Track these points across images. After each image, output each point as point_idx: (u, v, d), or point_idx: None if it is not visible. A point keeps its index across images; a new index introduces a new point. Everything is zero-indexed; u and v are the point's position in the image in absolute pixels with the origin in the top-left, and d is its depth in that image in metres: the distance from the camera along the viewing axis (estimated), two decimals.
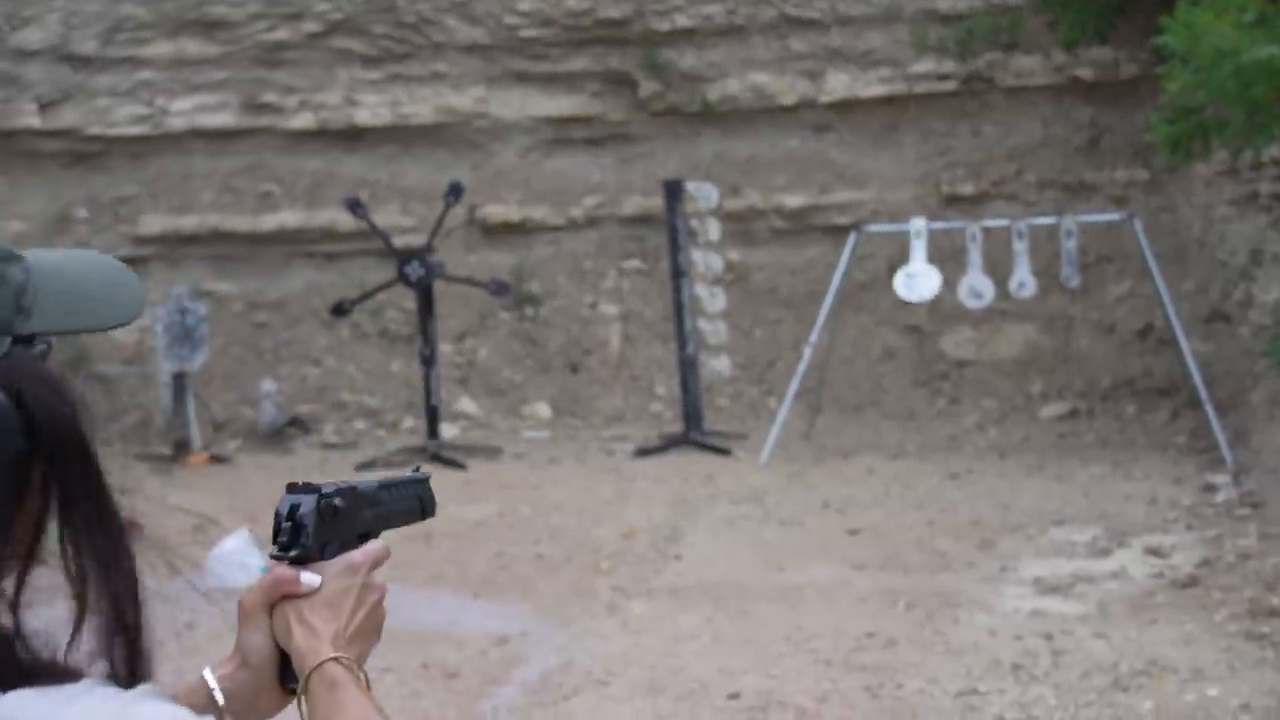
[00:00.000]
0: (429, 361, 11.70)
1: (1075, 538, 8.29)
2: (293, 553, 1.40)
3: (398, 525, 1.52)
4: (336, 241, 13.86)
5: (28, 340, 1.05)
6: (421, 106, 14.22)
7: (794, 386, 11.53)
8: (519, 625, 6.85)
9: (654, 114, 14.30)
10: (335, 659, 1.33)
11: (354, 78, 14.22)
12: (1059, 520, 8.73)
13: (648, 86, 14.19)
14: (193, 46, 14.00)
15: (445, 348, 13.07)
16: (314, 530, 1.40)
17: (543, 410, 13.11)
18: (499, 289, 12.02)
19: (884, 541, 8.34)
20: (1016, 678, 5.94)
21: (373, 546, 1.43)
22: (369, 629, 1.40)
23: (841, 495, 9.65)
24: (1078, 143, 13.75)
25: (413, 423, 12.62)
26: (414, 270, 11.57)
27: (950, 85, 13.88)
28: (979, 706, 5.62)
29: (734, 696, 5.76)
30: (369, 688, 1.34)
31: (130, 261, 12.50)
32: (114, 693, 1.04)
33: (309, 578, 1.37)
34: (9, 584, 1.05)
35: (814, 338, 11.60)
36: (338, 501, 1.42)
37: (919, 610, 6.92)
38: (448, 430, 12.26)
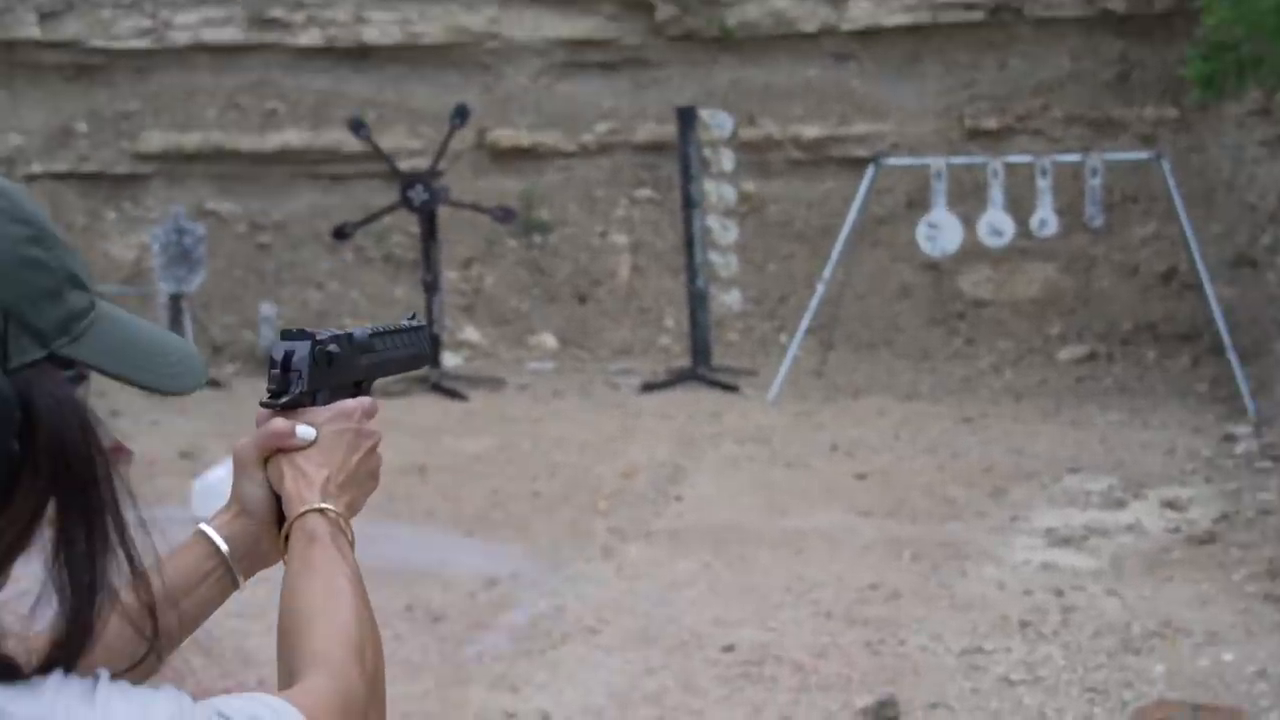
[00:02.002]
0: (432, 288, 11.44)
1: (1090, 487, 8.03)
2: (283, 399, 1.38)
3: (394, 373, 1.52)
4: (342, 163, 13.56)
5: (66, 365, 1.04)
6: (432, 25, 13.86)
7: (805, 322, 11.24)
8: (510, 567, 6.63)
9: (670, 39, 13.92)
10: (318, 510, 1.32)
11: None
12: (1074, 468, 8.47)
13: (665, 10, 13.80)
14: None
15: (451, 274, 12.80)
16: (308, 377, 1.39)
17: (549, 340, 12.85)
18: (504, 215, 11.73)
19: (892, 487, 8.09)
20: (1024, 636, 5.70)
21: (365, 398, 1.43)
22: (362, 475, 1.40)
23: (850, 437, 9.39)
24: (1106, 78, 13.35)
25: None
26: (418, 194, 11.28)
27: (977, 15, 13.46)
28: (983, 665, 5.38)
29: (728, 649, 5.53)
30: (352, 542, 1.33)
31: (131, 178, 12.20)
32: (87, 687, 0.99)
33: (304, 430, 1.37)
34: None
35: (828, 273, 11.30)
36: (333, 348, 1.40)
37: (925, 561, 6.68)
38: (451, 359, 12.02)
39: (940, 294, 12.85)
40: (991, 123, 13.30)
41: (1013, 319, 12.55)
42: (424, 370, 11.47)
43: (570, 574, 6.55)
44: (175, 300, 11.67)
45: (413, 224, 12.41)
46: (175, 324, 11.65)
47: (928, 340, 12.55)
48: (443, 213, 11.76)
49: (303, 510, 1.33)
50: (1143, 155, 11.62)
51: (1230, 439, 9.12)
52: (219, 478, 7.33)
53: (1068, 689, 5.15)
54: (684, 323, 12.20)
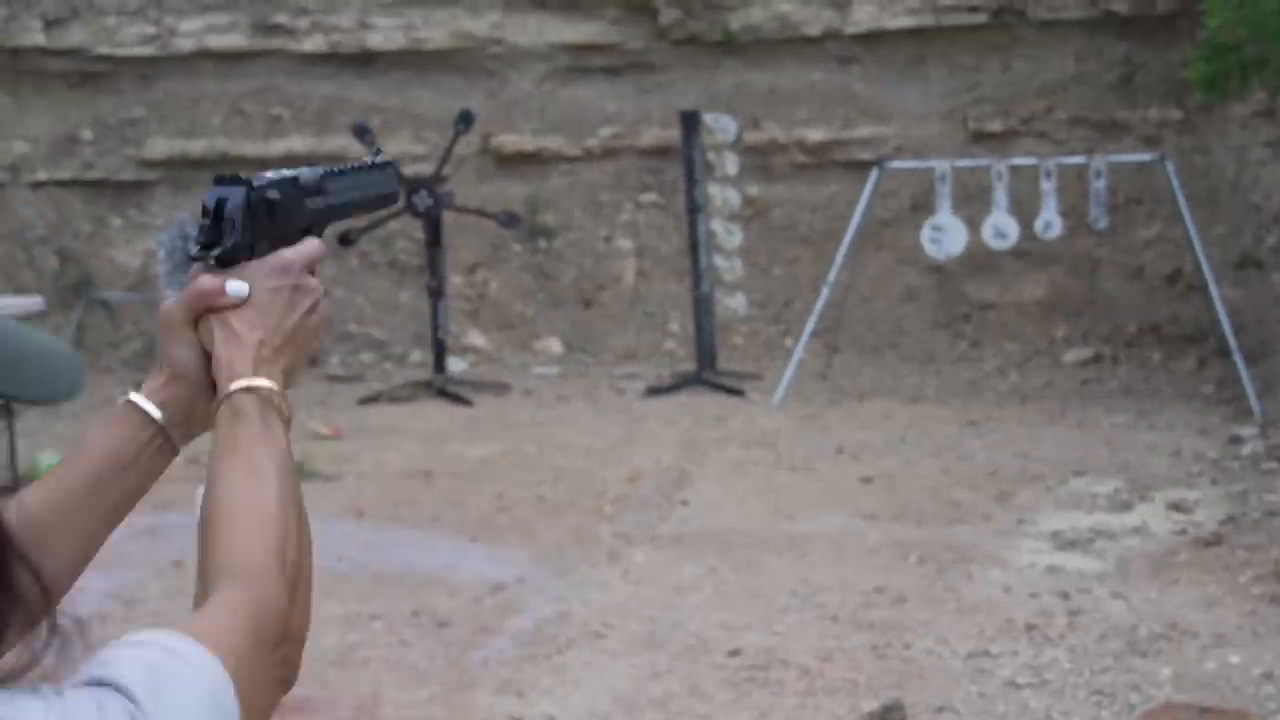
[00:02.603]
0: (436, 294, 11.43)
1: (1096, 490, 8.02)
2: (215, 252, 1.26)
3: (354, 215, 1.40)
4: None
5: None
6: (436, 31, 13.87)
7: (810, 326, 11.23)
8: (516, 572, 6.63)
9: (674, 43, 13.92)
10: (249, 389, 1.23)
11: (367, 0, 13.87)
12: (1079, 471, 8.46)
13: (668, 14, 13.80)
14: None
15: (456, 279, 12.80)
16: (242, 226, 1.26)
17: (554, 345, 12.85)
18: (509, 220, 11.72)
19: (898, 490, 8.09)
20: (1030, 639, 5.70)
21: (308, 244, 1.32)
22: (302, 336, 1.30)
23: (856, 440, 9.38)
24: (1110, 80, 13.33)
25: (421, 356, 12.38)
26: (422, 200, 11.27)
27: (980, 18, 13.45)
28: (989, 669, 5.38)
29: (734, 653, 5.53)
30: (289, 419, 1.24)
31: (136, 185, 12.18)
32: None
33: (236, 286, 1.26)
34: None
35: (833, 276, 11.29)
36: (271, 194, 1.27)
37: (931, 564, 6.67)
38: (456, 364, 12.02)
39: (945, 297, 12.84)
40: (995, 125, 13.29)
41: (1018, 321, 12.54)
42: (429, 376, 11.47)
43: (576, 579, 6.55)
44: None
45: (417, 230, 12.41)
46: None
47: (933, 343, 12.54)
48: (447, 218, 11.76)
49: (230, 390, 1.24)
50: (1147, 157, 11.61)
51: (1236, 440, 9.11)
52: None
53: (1074, 692, 5.15)
54: (689, 327, 12.19)
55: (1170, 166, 10.78)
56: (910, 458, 8.92)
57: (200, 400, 1.30)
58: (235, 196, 1.27)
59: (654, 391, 11.22)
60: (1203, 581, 6.35)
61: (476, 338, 12.88)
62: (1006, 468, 8.58)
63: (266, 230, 1.28)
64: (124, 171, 13.41)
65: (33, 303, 8.29)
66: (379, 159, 1.43)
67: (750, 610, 6.04)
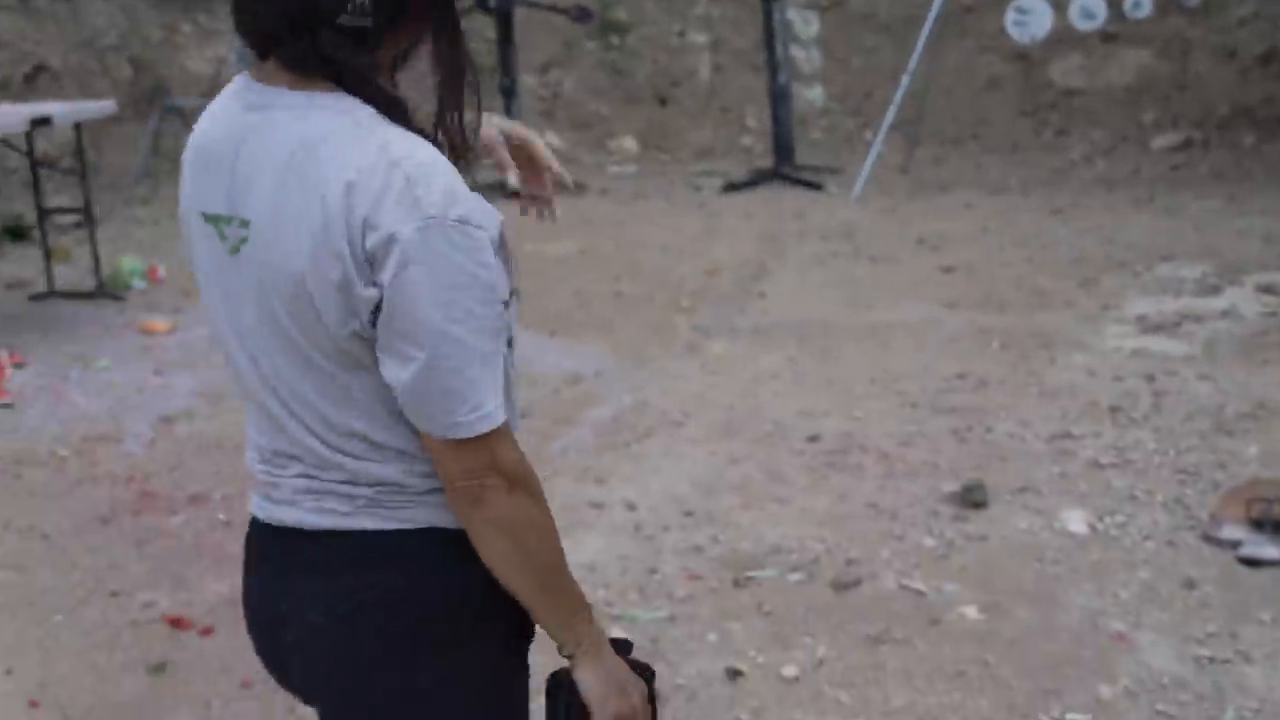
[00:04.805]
0: (509, 93, 11.29)
1: (1184, 274, 7.85)
2: None
3: None
4: None
5: None
6: None
7: (890, 117, 10.97)
8: (594, 365, 6.64)
9: None
10: None
11: None
12: (1167, 256, 8.28)
13: None
14: None
15: (529, 79, 12.62)
16: None
17: (629, 144, 12.70)
18: (581, 15, 11.46)
19: (980, 279, 7.96)
20: (1114, 420, 5.63)
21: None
22: None
23: (937, 231, 9.23)
24: None
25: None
26: None
27: None
28: (1072, 450, 5.33)
29: (813, 439, 5.52)
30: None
31: None
32: None
33: None
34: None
35: (913, 65, 10.98)
36: None
37: (1013, 350, 6.60)
38: None
39: (1030, 84, 12.47)
40: None
41: (1105, 107, 12.17)
42: (502, 176, 11.37)
43: (654, 370, 6.55)
44: None
45: (489, 28, 12.20)
46: None
47: (1017, 132, 12.23)
48: (519, 15, 11.54)
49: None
50: None
51: None
52: None
53: (1158, 471, 5.10)
54: (766, 121, 11.97)
55: None
56: (992, 247, 8.77)
57: None
58: None
59: (731, 187, 11.08)
60: None
61: (551, 138, 12.74)
62: (1092, 255, 8.42)
63: None
64: None
65: (105, 106, 8.26)
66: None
67: (829, 397, 6.02)
